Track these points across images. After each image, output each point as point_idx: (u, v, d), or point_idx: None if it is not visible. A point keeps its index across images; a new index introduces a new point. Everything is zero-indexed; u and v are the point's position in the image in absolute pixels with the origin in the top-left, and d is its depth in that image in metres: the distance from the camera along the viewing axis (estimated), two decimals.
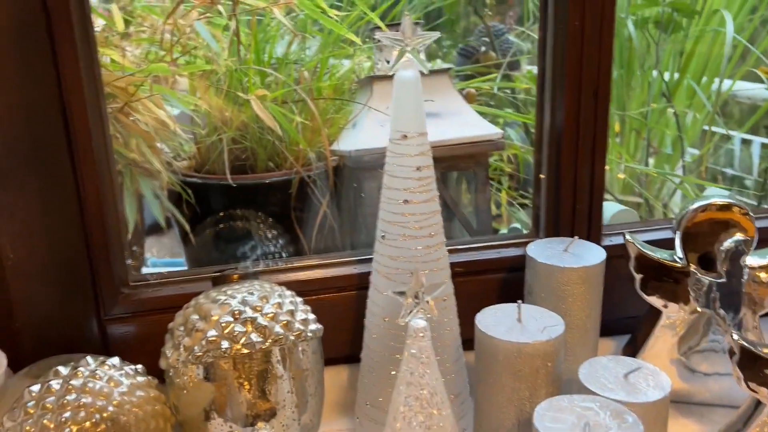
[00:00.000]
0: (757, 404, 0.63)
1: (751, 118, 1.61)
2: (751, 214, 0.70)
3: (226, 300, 0.61)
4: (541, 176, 0.78)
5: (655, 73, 1.37)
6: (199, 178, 0.97)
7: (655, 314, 0.75)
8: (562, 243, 0.71)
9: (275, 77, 0.94)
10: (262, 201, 0.95)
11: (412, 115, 0.61)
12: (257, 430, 0.60)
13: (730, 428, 0.66)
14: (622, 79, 1.43)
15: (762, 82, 1.55)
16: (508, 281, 0.78)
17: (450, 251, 0.74)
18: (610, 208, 0.94)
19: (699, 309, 0.73)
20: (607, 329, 0.84)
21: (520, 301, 0.60)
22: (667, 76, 1.40)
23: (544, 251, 0.70)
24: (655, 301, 0.73)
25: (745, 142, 1.67)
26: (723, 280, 0.72)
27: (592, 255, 0.69)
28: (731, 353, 0.62)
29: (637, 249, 0.72)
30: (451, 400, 0.67)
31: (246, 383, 0.59)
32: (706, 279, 0.71)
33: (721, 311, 0.72)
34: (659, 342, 0.75)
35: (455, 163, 0.86)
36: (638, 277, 0.73)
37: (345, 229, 0.89)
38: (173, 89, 0.88)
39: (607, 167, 1.10)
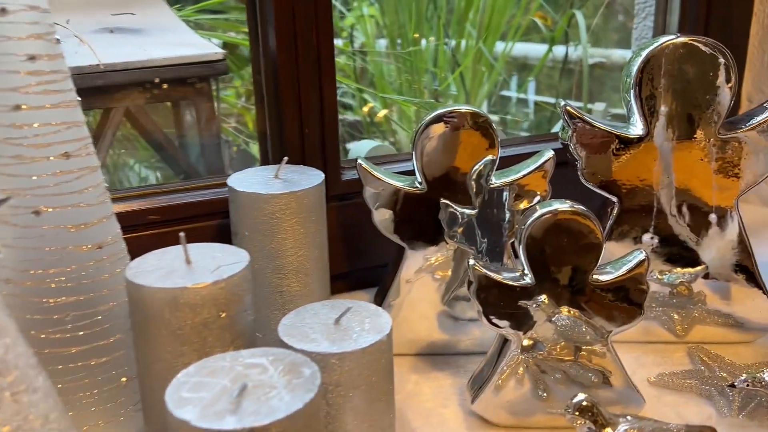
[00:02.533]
0: (505, 341, 0.53)
1: (535, 72, 1.60)
2: (493, 124, 0.60)
3: None
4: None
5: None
6: None
7: (401, 256, 0.63)
8: (274, 170, 0.56)
9: None
10: None
11: None
12: None
13: (481, 374, 0.55)
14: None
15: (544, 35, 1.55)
16: (224, 228, 0.62)
17: (143, 195, 0.56)
18: (366, 145, 0.82)
19: (449, 243, 0.62)
20: (361, 281, 0.72)
21: (183, 234, 0.43)
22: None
23: (249, 180, 0.54)
24: (397, 238, 0.61)
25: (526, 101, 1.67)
26: (474, 210, 0.61)
27: (308, 179, 0.55)
28: (469, 283, 0.51)
29: (369, 173, 0.59)
30: (121, 384, 0.49)
31: None
32: (458, 210, 0.60)
33: (481, 241, 0.61)
34: (416, 289, 0.63)
35: (167, 92, 0.68)
36: (374, 208, 0.60)
37: None
38: None
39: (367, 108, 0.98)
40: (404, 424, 0.53)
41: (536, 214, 0.49)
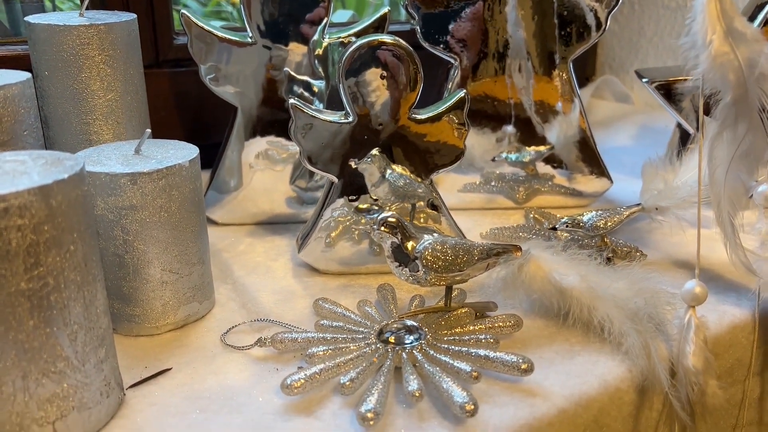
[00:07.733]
0: (331, 186, 0.52)
1: None
2: None
3: None
4: None
5: None
6: None
7: (234, 120, 0.60)
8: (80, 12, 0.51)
9: None
10: None
11: None
12: None
13: (308, 224, 0.53)
14: None
15: None
16: None
17: None
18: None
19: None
20: (203, 160, 0.68)
21: None
22: None
23: (50, 18, 0.50)
24: (228, 93, 0.58)
25: None
26: (320, 82, 0.59)
27: (117, 17, 0.50)
28: (291, 123, 0.49)
29: (193, 24, 0.55)
30: None
31: None
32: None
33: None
34: (260, 173, 0.61)
35: None
36: (201, 63, 0.56)
37: None
38: None
39: None
40: (227, 275, 0.51)
41: (356, 44, 0.47)
